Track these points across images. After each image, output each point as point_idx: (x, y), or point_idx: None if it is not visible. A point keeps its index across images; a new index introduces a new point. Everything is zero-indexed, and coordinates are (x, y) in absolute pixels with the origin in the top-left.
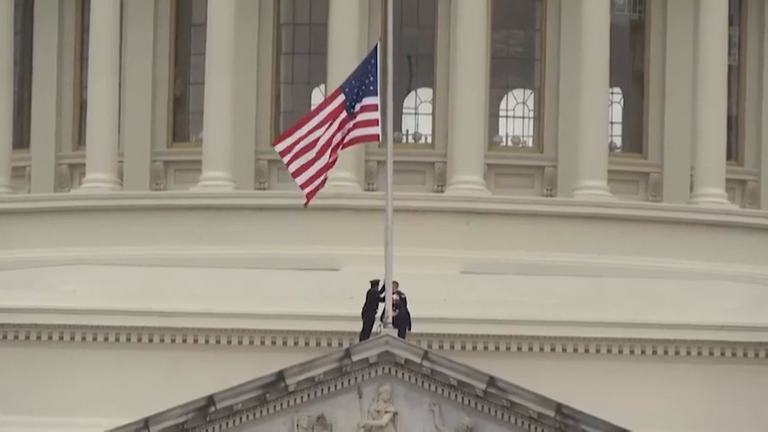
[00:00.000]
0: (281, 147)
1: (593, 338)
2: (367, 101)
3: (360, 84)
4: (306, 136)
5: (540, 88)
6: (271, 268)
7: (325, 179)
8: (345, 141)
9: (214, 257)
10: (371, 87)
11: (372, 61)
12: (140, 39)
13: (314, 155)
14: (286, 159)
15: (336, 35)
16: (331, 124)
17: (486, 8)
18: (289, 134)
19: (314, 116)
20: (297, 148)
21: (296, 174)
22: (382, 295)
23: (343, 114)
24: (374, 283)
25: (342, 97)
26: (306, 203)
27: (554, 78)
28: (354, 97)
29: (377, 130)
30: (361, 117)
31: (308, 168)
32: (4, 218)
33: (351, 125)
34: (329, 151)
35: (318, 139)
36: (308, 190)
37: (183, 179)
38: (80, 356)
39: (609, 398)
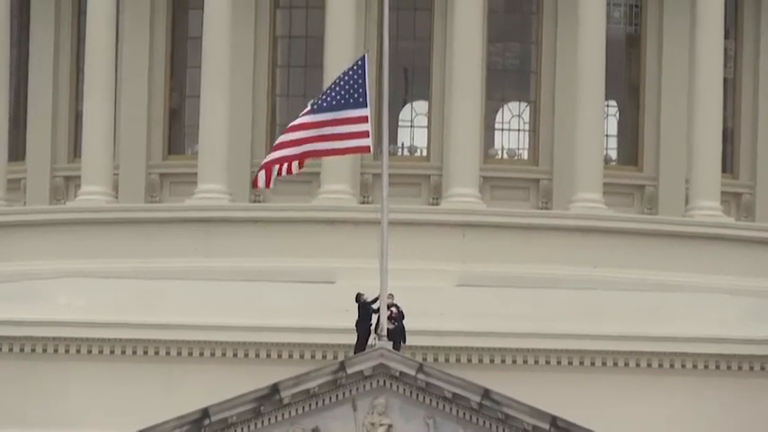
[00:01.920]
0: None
1: (588, 351)
2: (357, 112)
3: (346, 93)
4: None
5: (536, 101)
6: (266, 281)
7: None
8: (332, 149)
9: (209, 270)
10: (361, 99)
11: (360, 72)
12: (136, 51)
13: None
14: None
15: (332, 48)
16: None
17: (482, 21)
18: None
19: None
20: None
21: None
22: (375, 306)
23: (314, 116)
24: (358, 296)
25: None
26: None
27: (550, 91)
28: (338, 99)
29: (367, 142)
30: (351, 129)
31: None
32: (0, 230)
33: (336, 132)
34: (305, 146)
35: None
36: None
37: (178, 192)
38: (75, 369)
39: (603, 410)
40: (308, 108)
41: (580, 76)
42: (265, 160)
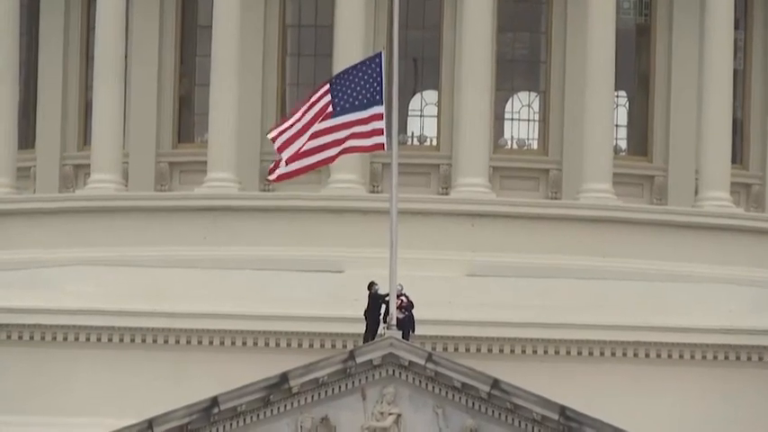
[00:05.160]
0: (273, 134)
1: (597, 341)
2: (373, 110)
3: (363, 91)
4: (295, 126)
5: (546, 91)
6: (275, 270)
7: (305, 170)
8: (346, 147)
9: (218, 259)
10: (377, 97)
11: (378, 69)
12: (146, 39)
13: (301, 145)
14: (277, 145)
15: (342, 37)
16: (321, 121)
17: (492, 11)
18: (282, 123)
19: (304, 109)
20: (286, 136)
21: (282, 156)
22: (387, 297)
23: (333, 120)
24: (371, 285)
25: (328, 97)
26: (271, 176)
27: (559, 81)
28: (354, 102)
29: (382, 139)
30: (366, 128)
31: (292, 150)
32: (9, 218)
33: (348, 133)
34: (321, 153)
35: (309, 133)
36: (281, 170)
37: (187, 180)
38: (84, 357)
39: (612, 401)
40: (330, 109)
41: (590, 66)
42: (288, 169)
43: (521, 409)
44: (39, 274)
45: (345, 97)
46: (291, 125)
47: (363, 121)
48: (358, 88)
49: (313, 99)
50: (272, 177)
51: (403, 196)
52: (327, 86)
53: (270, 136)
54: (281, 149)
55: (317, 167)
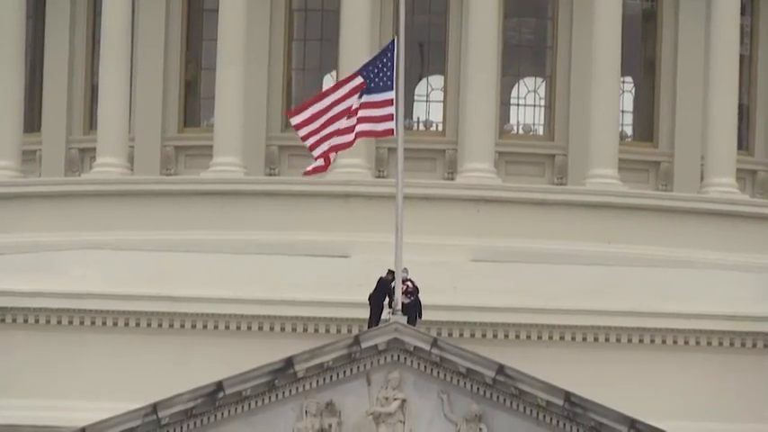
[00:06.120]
0: (296, 120)
1: (601, 327)
2: (384, 95)
3: (376, 76)
4: (323, 113)
5: (552, 76)
6: (280, 254)
7: (328, 159)
8: (357, 132)
9: (224, 243)
10: (389, 82)
11: (390, 55)
12: (152, 23)
13: (328, 132)
14: (302, 133)
15: (348, 22)
16: (346, 107)
17: None
18: (304, 108)
19: (330, 94)
20: (315, 124)
21: (312, 147)
22: (392, 282)
23: (356, 99)
24: (389, 273)
25: (359, 79)
26: (307, 173)
27: (565, 67)
28: (372, 86)
29: (391, 125)
30: (376, 112)
31: (322, 144)
32: (15, 201)
33: (363, 115)
34: (344, 136)
35: (335, 118)
36: (315, 164)
37: (193, 164)
38: (89, 341)
39: (617, 387)
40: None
41: (596, 51)
42: (321, 151)
43: (526, 394)
44: (44, 258)
45: (372, 85)
46: (320, 117)
47: (373, 105)
48: (380, 74)
49: (341, 85)
50: (310, 168)
51: (408, 181)
52: (360, 80)
53: (294, 122)
54: (313, 146)
55: (338, 150)
